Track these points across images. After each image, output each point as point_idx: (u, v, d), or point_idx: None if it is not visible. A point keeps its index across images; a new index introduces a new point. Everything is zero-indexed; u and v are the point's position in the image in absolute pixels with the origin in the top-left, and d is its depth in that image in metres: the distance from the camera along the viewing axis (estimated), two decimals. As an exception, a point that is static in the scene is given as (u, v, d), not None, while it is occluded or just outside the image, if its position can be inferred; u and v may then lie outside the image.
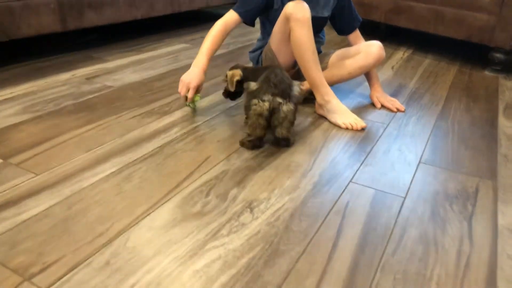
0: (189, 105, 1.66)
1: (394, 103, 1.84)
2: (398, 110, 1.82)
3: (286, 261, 0.92)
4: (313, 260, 0.93)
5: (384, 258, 0.95)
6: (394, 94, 1.98)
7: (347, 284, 0.87)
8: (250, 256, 0.93)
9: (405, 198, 1.18)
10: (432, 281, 0.89)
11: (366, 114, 1.75)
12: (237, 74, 1.47)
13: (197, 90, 1.60)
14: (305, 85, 1.80)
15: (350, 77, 1.80)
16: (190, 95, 1.57)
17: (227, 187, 1.18)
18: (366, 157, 1.40)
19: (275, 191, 1.18)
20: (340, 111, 1.64)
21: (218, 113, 1.68)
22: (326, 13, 1.82)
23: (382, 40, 2.09)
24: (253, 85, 1.37)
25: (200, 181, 1.21)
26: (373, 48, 1.74)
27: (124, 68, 2.18)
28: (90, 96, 1.79)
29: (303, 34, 1.61)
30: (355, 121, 1.61)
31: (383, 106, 1.84)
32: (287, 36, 1.68)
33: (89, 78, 2.01)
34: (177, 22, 3.30)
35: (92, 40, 2.68)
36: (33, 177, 1.18)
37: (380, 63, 1.78)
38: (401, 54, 2.71)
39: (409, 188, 1.23)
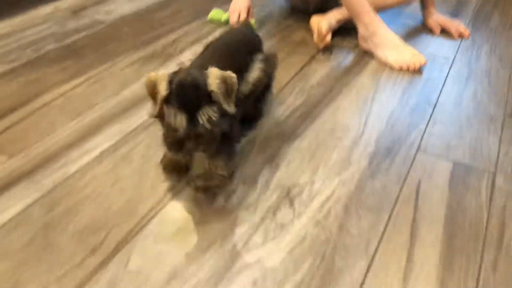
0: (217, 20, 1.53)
1: (458, 26, 1.44)
2: (461, 35, 1.43)
3: (346, 285, 0.67)
4: (383, 283, 0.68)
5: (483, 278, 0.68)
6: (453, 15, 1.57)
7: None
8: (296, 280, 0.68)
9: (495, 173, 0.88)
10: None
11: (421, 45, 1.37)
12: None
13: (249, 13, 1.48)
14: (339, 14, 1.40)
15: (404, 2, 1.39)
16: (242, 16, 1.45)
17: (256, 167, 0.90)
18: (433, 111, 1.07)
19: (319, 170, 0.89)
20: (391, 44, 1.27)
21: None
22: None
23: None
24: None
25: (220, 158, 0.92)
26: None
27: (116, -5, 1.79)
28: (77, 37, 1.45)
29: None
30: (412, 57, 1.24)
31: (442, 31, 1.45)
32: None
33: (76, 11, 1.64)
34: None
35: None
36: (4, 162, 0.91)
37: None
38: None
39: (498, 158, 0.92)
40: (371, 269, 0.69)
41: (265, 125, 1.02)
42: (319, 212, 0.79)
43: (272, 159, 0.92)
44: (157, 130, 0.98)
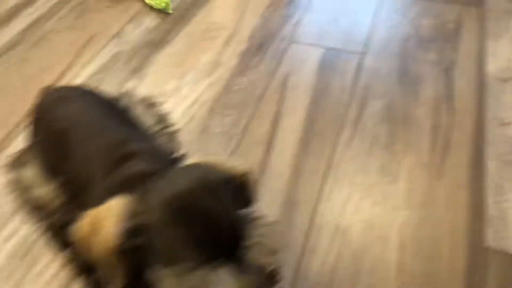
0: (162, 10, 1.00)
1: None
2: None
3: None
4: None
5: (337, 156, 0.69)
6: None
7: (286, 201, 0.63)
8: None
9: (364, 54, 0.87)
10: (399, 178, 0.66)
11: None
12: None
13: None
14: None
15: None
16: None
17: (120, 81, 0.84)
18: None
19: (188, 75, 0.84)
20: None
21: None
22: None
23: None
24: None
25: (83, 78, 0.85)
26: None
27: None
28: None
29: None
30: None
31: None
32: None
33: None
34: None
35: None
36: None
37: None
38: None
39: (369, 38, 0.90)
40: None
41: (134, 34, 0.94)
42: (183, 117, 0.76)
43: (139, 70, 0.86)
44: (13, 56, 0.89)
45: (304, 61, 0.86)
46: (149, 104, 0.57)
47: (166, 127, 0.57)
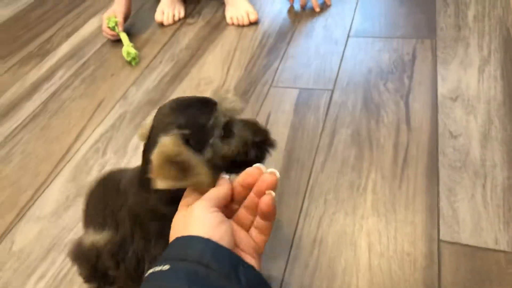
0: (130, 62, 1.22)
1: None
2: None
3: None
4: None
5: (312, 178, 0.81)
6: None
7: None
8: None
9: (333, 90, 1.01)
10: (367, 190, 0.77)
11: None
12: None
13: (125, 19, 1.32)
14: None
15: None
16: (119, 28, 1.27)
17: (126, 137, 0.98)
18: (287, 48, 1.17)
19: (183, 124, 0.99)
20: (232, 1, 1.33)
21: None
22: None
23: None
24: None
25: (95, 137, 1.00)
26: None
27: (-10, 4, 1.76)
28: (-47, 55, 1.45)
29: None
30: (244, 13, 1.29)
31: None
32: None
33: (-52, 30, 1.62)
34: None
35: None
36: None
37: None
38: None
39: (337, 76, 1.04)
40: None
41: (137, 96, 1.10)
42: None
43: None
44: (36, 125, 1.05)
45: (282, 101, 1.00)
46: None
47: None
